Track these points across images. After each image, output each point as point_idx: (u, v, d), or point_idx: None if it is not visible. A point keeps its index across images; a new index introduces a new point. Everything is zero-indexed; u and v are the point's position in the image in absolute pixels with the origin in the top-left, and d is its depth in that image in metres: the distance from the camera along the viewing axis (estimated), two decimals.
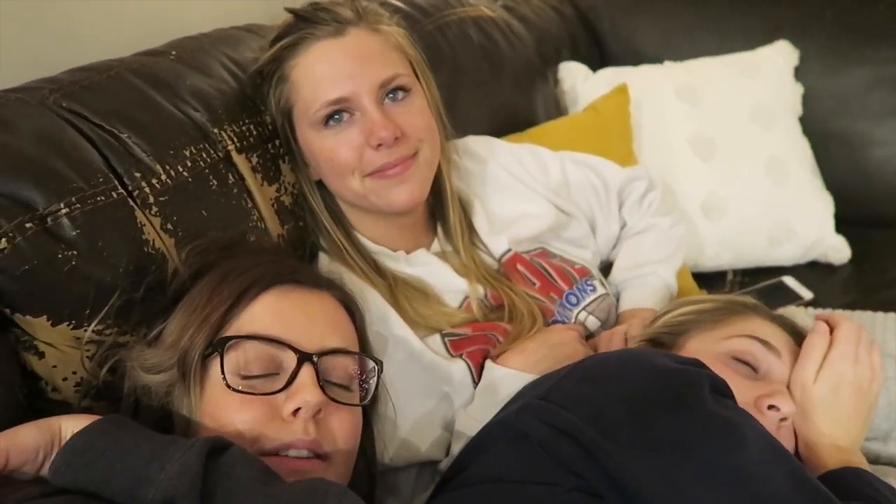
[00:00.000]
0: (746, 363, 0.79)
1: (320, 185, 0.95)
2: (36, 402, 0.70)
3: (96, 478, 0.57)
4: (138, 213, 0.76)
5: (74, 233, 0.70)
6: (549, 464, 0.67)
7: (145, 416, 0.70)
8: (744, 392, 0.74)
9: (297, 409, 0.67)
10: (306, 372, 0.69)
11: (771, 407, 0.76)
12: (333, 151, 0.89)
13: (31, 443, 0.58)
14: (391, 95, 0.89)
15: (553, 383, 0.73)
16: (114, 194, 0.75)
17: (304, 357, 0.69)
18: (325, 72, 0.87)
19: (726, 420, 0.65)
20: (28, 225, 0.67)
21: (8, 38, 0.88)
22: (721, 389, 0.69)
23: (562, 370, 0.76)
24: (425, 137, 0.92)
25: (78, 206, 0.71)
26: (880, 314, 1.11)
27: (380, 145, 0.87)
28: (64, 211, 0.70)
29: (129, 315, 0.73)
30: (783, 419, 0.77)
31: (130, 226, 0.75)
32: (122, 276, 0.72)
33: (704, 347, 0.81)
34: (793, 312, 1.12)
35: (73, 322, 0.69)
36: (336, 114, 0.88)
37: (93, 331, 0.70)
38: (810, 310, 1.15)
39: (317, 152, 0.90)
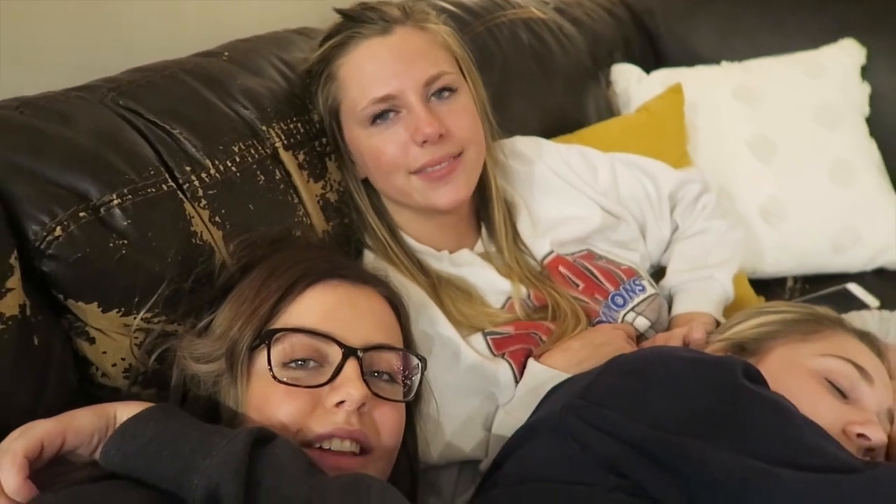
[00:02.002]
0: (838, 386, 0.77)
1: (366, 183, 0.96)
2: (87, 386, 0.73)
3: (143, 463, 0.58)
4: (187, 205, 0.78)
5: (126, 223, 0.72)
6: (590, 464, 0.66)
7: (193, 405, 0.71)
8: (832, 414, 0.73)
9: (341, 402, 0.67)
10: (351, 366, 0.69)
11: (860, 435, 0.74)
12: (380, 149, 0.89)
13: (88, 426, 0.60)
14: (437, 94, 0.90)
15: (590, 380, 0.72)
16: (164, 187, 0.77)
17: (349, 351, 0.69)
18: (371, 70, 0.88)
19: (771, 398, 0.65)
20: (82, 214, 0.70)
21: (72, 40, 0.92)
22: (755, 377, 0.68)
23: (596, 368, 0.75)
24: (471, 137, 0.92)
25: (129, 197, 0.73)
26: None
27: (425, 142, 0.87)
28: (116, 202, 0.72)
29: (177, 305, 0.75)
30: (870, 449, 0.74)
31: (179, 217, 0.77)
32: (170, 267, 0.74)
33: (793, 360, 0.80)
34: (863, 317, 1.08)
35: (123, 309, 0.72)
36: (383, 112, 0.88)
37: (141, 318, 0.72)
38: (882, 312, 1.10)
39: (363, 150, 0.91)
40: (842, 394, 0.78)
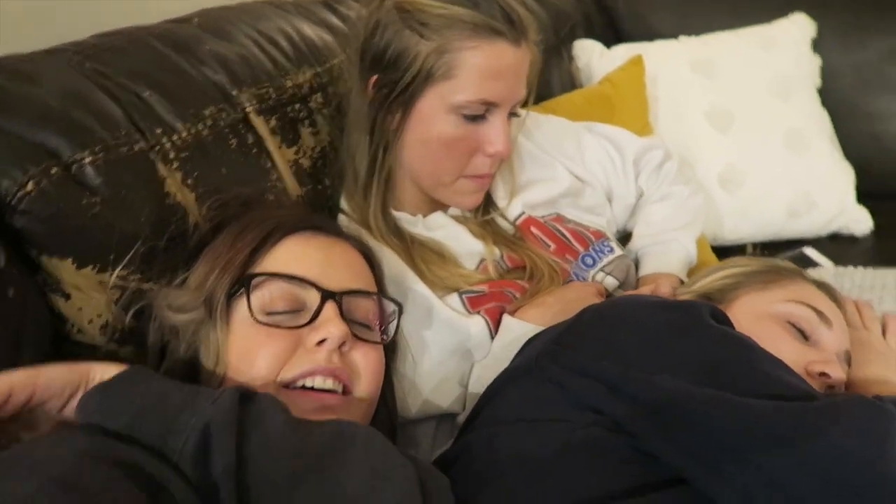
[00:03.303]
0: (800, 329, 0.80)
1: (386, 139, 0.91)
2: (62, 344, 0.72)
3: (126, 419, 0.57)
4: (160, 166, 0.78)
5: (98, 180, 0.72)
6: (567, 403, 0.68)
7: (172, 358, 0.71)
8: (795, 355, 0.75)
9: (322, 341, 0.68)
10: (330, 307, 0.70)
11: (822, 374, 0.77)
12: (452, 141, 0.89)
13: (59, 379, 0.59)
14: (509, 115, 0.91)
15: (563, 328, 0.74)
16: (136, 147, 0.77)
17: (327, 294, 0.71)
18: (495, 72, 0.87)
19: (736, 335, 0.68)
20: (54, 171, 0.70)
21: (37, 8, 0.91)
22: (721, 318, 0.71)
23: (569, 319, 0.77)
24: None
25: (101, 155, 0.73)
26: None
27: (493, 155, 0.90)
28: (88, 159, 0.72)
29: (153, 263, 0.74)
30: (830, 387, 0.78)
31: (152, 178, 0.77)
32: (144, 226, 0.74)
33: (756, 307, 0.82)
34: (819, 274, 1.12)
35: (98, 266, 0.71)
36: (477, 115, 0.88)
37: (117, 276, 0.72)
38: (837, 268, 1.14)
39: (433, 129, 0.89)
40: (803, 336, 0.81)
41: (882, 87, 1.54)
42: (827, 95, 1.51)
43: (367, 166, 0.92)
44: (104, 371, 0.61)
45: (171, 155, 0.80)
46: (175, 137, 0.80)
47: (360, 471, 0.56)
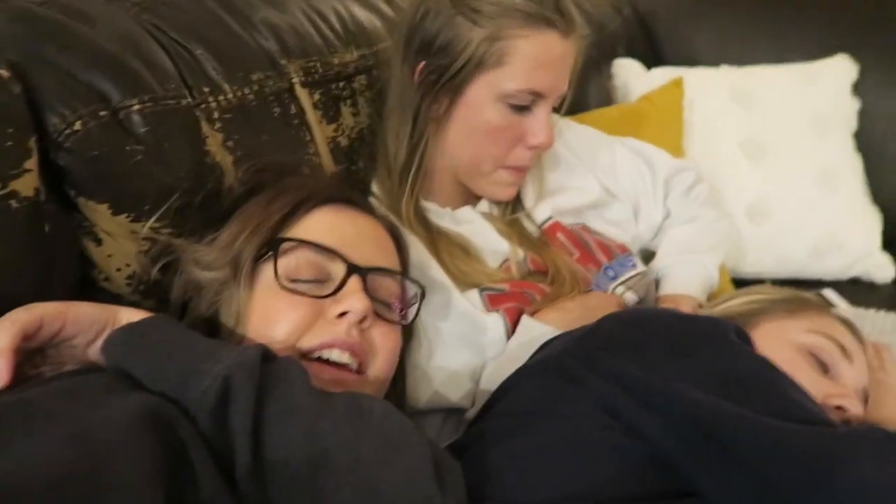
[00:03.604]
0: (821, 361, 0.80)
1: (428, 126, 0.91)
2: (88, 290, 0.72)
3: (150, 360, 0.57)
4: (203, 124, 0.78)
5: (143, 129, 0.72)
6: (584, 403, 0.67)
7: (193, 316, 0.71)
8: (814, 386, 0.74)
9: (344, 313, 0.68)
10: (354, 281, 0.70)
11: (839, 408, 0.76)
12: (496, 129, 0.89)
13: (88, 316, 0.59)
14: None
15: (588, 330, 0.74)
16: (182, 102, 0.77)
17: (353, 268, 0.70)
18: (544, 62, 0.87)
19: (759, 357, 0.68)
20: (102, 113, 0.69)
21: None
22: (745, 339, 0.71)
23: (589, 324, 0.77)
24: None
25: (150, 105, 0.73)
26: None
27: (535, 147, 0.90)
28: (136, 107, 0.72)
29: (186, 218, 0.74)
30: (846, 422, 0.77)
31: (195, 135, 0.77)
32: (182, 180, 0.74)
33: (779, 334, 0.82)
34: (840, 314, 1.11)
35: (133, 215, 0.71)
36: (526, 102, 0.88)
37: (150, 227, 0.72)
38: (858, 310, 1.14)
39: (478, 116, 0.89)
40: (824, 368, 0.81)
41: None
42: (862, 139, 1.50)
43: (407, 152, 0.92)
44: (131, 314, 0.61)
45: (216, 115, 0.80)
46: (221, 98, 0.80)
47: (375, 440, 0.55)
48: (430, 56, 0.88)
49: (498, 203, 1.00)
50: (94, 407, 0.52)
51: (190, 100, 0.78)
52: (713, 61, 1.58)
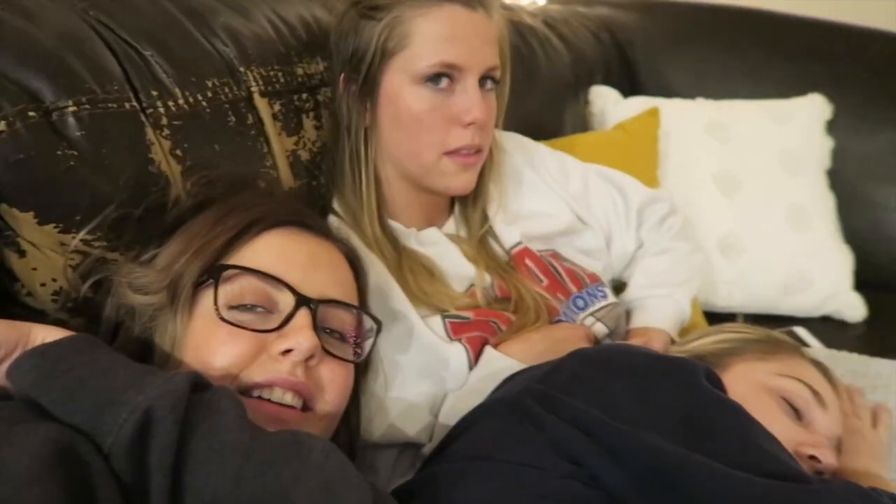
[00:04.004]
0: (794, 407, 0.77)
1: (365, 136, 0.90)
2: (8, 305, 0.65)
3: (60, 389, 0.50)
4: (149, 130, 0.73)
5: (79, 133, 0.66)
6: (544, 448, 0.63)
7: (125, 340, 0.65)
8: (786, 433, 0.72)
9: (288, 350, 0.62)
10: (303, 315, 0.64)
11: (812, 457, 0.74)
12: (424, 113, 0.86)
13: None
14: (484, 82, 0.88)
15: (551, 367, 0.70)
16: (126, 105, 0.71)
17: (302, 300, 0.65)
18: (451, 34, 0.85)
19: (730, 402, 0.64)
20: (31, 114, 0.64)
21: None
22: (714, 381, 0.67)
23: (556, 360, 0.73)
24: (491, 138, 0.92)
25: (87, 107, 0.67)
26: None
27: (470, 124, 0.86)
28: (71, 109, 0.66)
29: (123, 232, 0.68)
30: (819, 473, 0.74)
31: (138, 141, 0.71)
32: (121, 190, 0.68)
33: (751, 377, 0.79)
34: (812, 354, 1.09)
35: (62, 225, 0.65)
36: (440, 76, 0.85)
37: (81, 239, 0.66)
38: (831, 351, 1.11)
39: (403, 105, 0.86)
40: (797, 415, 0.78)
41: (888, 178, 1.53)
42: (834, 178, 1.49)
43: (351, 170, 0.90)
44: (47, 334, 0.55)
45: (164, 121, 0.74)
46: (171, 103, 0.75)
47: (310, 484, 0.50)
48: (348, 66, 0.88)
49: (463, 213, 0.97)
50: None
51: (135, 103, 0.72)
52: (689, 92, 1.57)
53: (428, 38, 0.85)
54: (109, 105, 0.69)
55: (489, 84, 0.88)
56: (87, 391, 0.50)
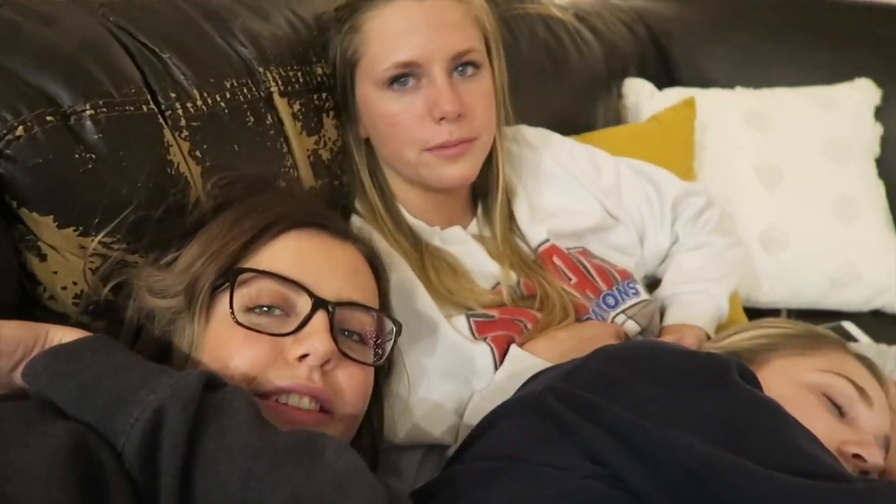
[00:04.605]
0: (836, 404, 0.73)
1: (367, 143, 0.91)
2: (30, 308, 0.66)
3: (74, 388, 0.51)
4: (167, 132, 0.73)
5: (96, 136, 0.67)
6: (566, 448, 0.61)
7: (145, 343, 0.65)
8: (827, 431, 0.68)
9: (305, 356, 0.62)
10: (320, 318, 0.63)
11: (856, 456, 0.69)
12: (395, 117, 0.84)
13: (13, 336, 0.54)
14: (461, 69, 0.85)
15: (575, 365, 0.68)
16: (144, 108, 0.71)
17: (319, 303, 0.64)
18: (401, 31, 0.83)
19: (765, 399, 0.61)
20: (49, 118, 0.64)
21: None
22: (749, 378, 0.64)
23: (581, 357, 0.70)
24: (487, 124, 0.88)
25: (104, 110, 0.68)
26: None
27: (442, 119, 0.83)
28: (89, 112, 0.66)
29: (142, 234, 0.69)
30: (864, 472, 0.70)
31: (156, 143, 0.72)
32: (139, 191, 0.69)
33: (791, 373, 0.75)
34: (860, 348, 1.04)
35: (81, 228, 0.66)
36: (402, 76, 0.83)
37: (100, 241, 0.66)
38: (880, 346, 1.06)
39: (375, 112, 0.86)
40: (839, 412, 0.74)
41: None
42: (884, 166, 1.42)
43: (362, 174, 0.91)
44: (64, 335, 0.55)
45: (182, 122, 0.74)
46: (189, 104, 0.75)
47: (320, 483, 0.49)
48: (333, 83, 0.89)
49: (486, 213, 0.94)
50: (8, 446, 0.47)
51: (153, 105, 0.72)
52: (728, 82, 1.52)
53: (381, 40, 0.83)
54: (127, 107, 0.70)
55: (469, 70, 0.85)
56: (100, 390, 0.51)
